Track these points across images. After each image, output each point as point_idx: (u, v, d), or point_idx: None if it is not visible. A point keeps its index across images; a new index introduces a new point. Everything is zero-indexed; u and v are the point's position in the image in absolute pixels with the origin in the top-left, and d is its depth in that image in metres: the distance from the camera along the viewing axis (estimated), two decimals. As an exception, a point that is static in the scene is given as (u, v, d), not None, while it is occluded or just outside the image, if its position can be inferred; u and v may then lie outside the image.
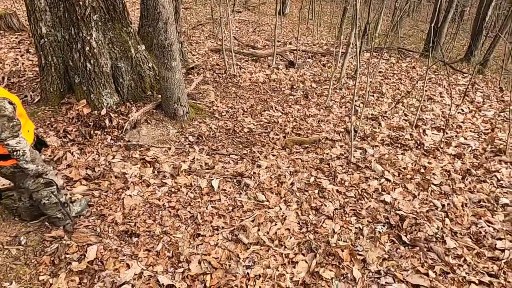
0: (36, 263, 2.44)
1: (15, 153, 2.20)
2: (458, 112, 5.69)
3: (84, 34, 3.87)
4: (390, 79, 7.35)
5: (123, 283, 2.32)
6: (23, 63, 5.53)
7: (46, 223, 2.76)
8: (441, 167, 3.98)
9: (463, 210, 3.24)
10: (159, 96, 4.53)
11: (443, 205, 3.31)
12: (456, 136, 4.85)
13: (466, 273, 2.53)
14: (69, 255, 2.49)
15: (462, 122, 5.35)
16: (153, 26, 3.93)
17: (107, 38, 4.14)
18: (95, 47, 3.96)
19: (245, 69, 7.11)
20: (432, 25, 4.65)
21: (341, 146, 4.37)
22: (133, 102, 4.45)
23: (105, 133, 3.94)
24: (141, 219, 2.90)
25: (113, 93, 4.26)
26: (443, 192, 3.53)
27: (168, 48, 3.95)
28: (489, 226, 3.04)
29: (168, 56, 4.01)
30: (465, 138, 4.78)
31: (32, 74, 5.15)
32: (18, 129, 2.16)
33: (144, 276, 2.39)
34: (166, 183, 3.36)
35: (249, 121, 4.88)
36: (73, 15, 3.80)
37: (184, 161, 3.72)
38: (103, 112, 4.10)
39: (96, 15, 3.91)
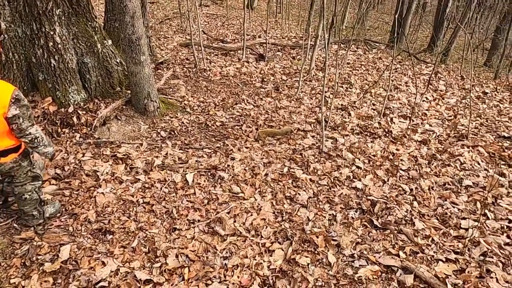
0: (6, 266, 2.36)
1: (36, 140, 2.34)
2: (423, 100, 5.91)
3: (47, 29, 3.73)
4: (358, 70, 7.52)
5: (100, 281, 2.28)
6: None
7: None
8: (409, 153, 4.13)
9: (430, 193, 3.39)
10: (129, 91, 4.45)
11: (411, 189, 3.44)
12: (421, 123, 5.03)
13: (434, 252, 2.65)
14: (41, 256, 2.43)
15: (427, 109, 5.56)
16: (119, 20, 3.85)
17: (72, 33, 4.02)
18: (59, 42, 3.83)
19: (215, 63, 7.08)
20: (396, 16, 4.79)
21: (312, 137, 4.44)
22: (102, 99, 4.34)
23: (73, 131, 3.83)
24: (115, 216, 2.86)
25: (80, 89, 4.14)
26: (411, 176, 3.68)
27: (136, 42, 3.88)
28: (454, 207, 3.19)
29: (136, 51, 3.94)
30: (430, 125, 4.97)
31: None
32: (33, 117, 2.27)
33: (121, 273, 2.37)
34: (139, 179, 3.32)
35: (221, 115, 4.87)
36: (34, 10, 3.66)
37: (157, 157, 3.68)
38: (71, 109, 3.98)
39: (59, 10, 3.78)
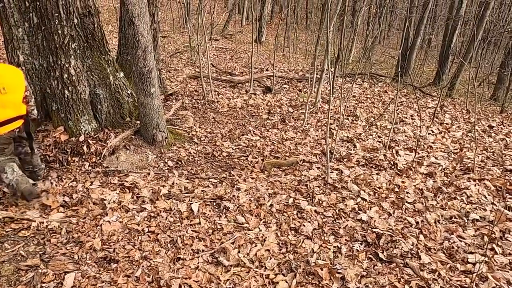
0: (11, 293, 2.38)
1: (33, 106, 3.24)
2: (429, 133, 5.94)
3: (62, 62, 3.91)
4: (363, 103, 7.62)
5: (102, 310, 2.28)
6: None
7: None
8: (414, 185, 4.13)
9: (436, 226, 3.36)
10: (138, 122, 4.57)
11: (417, 222, 3.42)
12: (427, 156, 5.04)
13: (441, 287, 2.61)
14: (46, 284, 2.44)
15: (432, 142, 5.58)
16: (132, 54, 4.02)
17: (86, 65, 4.19)
18: (73, 74, 3.99)
19: (223, 95, 7.25)
20: (401, 51, 4.92)
21: (318, 168, 4.47)
22: (112, 129, 4.46)
23: (83, 160, 3.92)
24: (120, 245, 2.87)
25: (91, 119, 4.27)
26: (416, 209, 3.66)
27: (147, 75, 4.02)
28: (460, 241, 3.16)
29: (147, 83, 4.08)
30: (436, 158, 4.98)
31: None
32: None
33: (124, 302, 2.36)
34: (145, 208, 3.35)
35: (228, 145, 4.95)
36: (51, 44, 3.85)
37: (163, 186, 3.73)
38: (81, 138, 4.09)
39: (75, 43, 3.97)
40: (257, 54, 12.18)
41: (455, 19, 10.68)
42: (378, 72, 11.75)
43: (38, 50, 3.94)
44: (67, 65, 3.94)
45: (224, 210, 3.44)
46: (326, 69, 6.50)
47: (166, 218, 3.25)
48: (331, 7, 3.86)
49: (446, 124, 6.68)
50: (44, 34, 3.84)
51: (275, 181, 4.08)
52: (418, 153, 5.03)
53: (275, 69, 8.91)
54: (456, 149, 5.37)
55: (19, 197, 3.15)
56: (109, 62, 4.44)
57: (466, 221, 3.48)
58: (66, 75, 3.96)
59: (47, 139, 4.09)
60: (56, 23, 3.77)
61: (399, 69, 6.73)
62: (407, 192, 3.96)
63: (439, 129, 6.30)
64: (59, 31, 3.80)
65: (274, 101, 7.27)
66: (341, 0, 6.46)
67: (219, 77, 8.27)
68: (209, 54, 8.23)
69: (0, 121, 2.91)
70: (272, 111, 6.63)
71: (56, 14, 3.74)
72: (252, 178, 4.12)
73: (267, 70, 9.83)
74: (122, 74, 4.64)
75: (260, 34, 16.20)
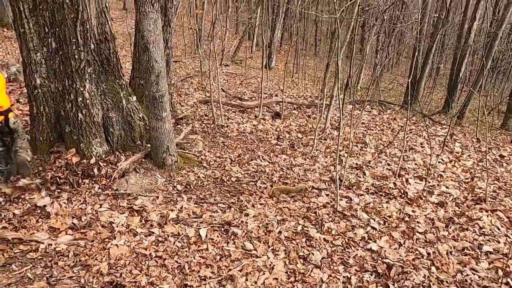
0: (16, 316, 2.36)
1: None
2: (439, 162, 5.89)
3: (77, 86, 4.00)
4: (372, 130, 7.62)
5: (107, 337, 2.24)
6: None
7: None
8: (425, 215, 4.07)
9: (448, 258, 3.29)
10: (148, 145, 4.61)
11: (429, 253, 3.35)
12: (438, 185, 4.99)
13: (454, 322, 2.53)
14: (52, 308, 2.42)
15: (443, 171, 5.53)
16: (145, 79, 4.10)
17: (100, 89, 4.28)
18: (87, 98, 4.08)
19: (232, 119, 7.31)
20: (410, 80, 4.96)
21: (327, 195, 4.44)
22: (123, 151, 4.50)
23: (93, 182, 3.94)
24: (127, 270, 2.85)
25: (103, 142, 4.32)
26: (428, 240, 3.59)
27: (159, 99, 4.09)
28: (474, 274, 3.08)
29: (159, 107, 4.14)
30: (447, 187, 4.92)
31: (22, 123, 5.18)
32: None
33: (129, 329, 2.32)
34: (153, 232, 3.34)
35: (237, 170, 4.95)
36: (68, 68, 3.95)
37: (172, 210, 3.73)
38: (92, 161, 4.13)
39: (90, 68, 4.07)
40: (267, 80, 12.35)
41: (464, 48, 10.78)
42: (387, 99, 11.80)
43: (54, 74, 4.04)
44: (82, 89, 4.03)
45: (232, 236, 3.41)
46: (336, 96, 6.56)
47: (174, 243, 3.23)
48: (341, 35, 3.94)
49: (457, 152, 6.63)
50: (61, 59, 3.95)
51: (283, 207, 4.05)
52: (429, 182, 4.98)
53: (284, 95, 9.00)
54: (467, 179, 5.31)
55: None
56: (123, 86, 4.53)
57: (479, 253, 3.41)
58: (80, 98, 4.04)
59: (58, 161, 4.14)
60: (74, 48, 3.88)
61: (408, 97, 6.75)
62: (417, 222, 3.90)
63: (449, 158, 6.25)
64: (76, 56, 3.91)
65: (283, 126, 7.31)
66: (351, 29, 6.58)
67: (229, 102, 8.37)
68: (220, 79, 8.36)
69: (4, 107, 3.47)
70: (281, 137, 6.65)
71: (74, 40, 3.86)
72: (261, 204, 4.10)
73: (276, 95, 9.93)
74: (134, 98, 4.72)
75: (270, 60, 16.46)
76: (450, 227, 3.85)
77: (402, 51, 21.31)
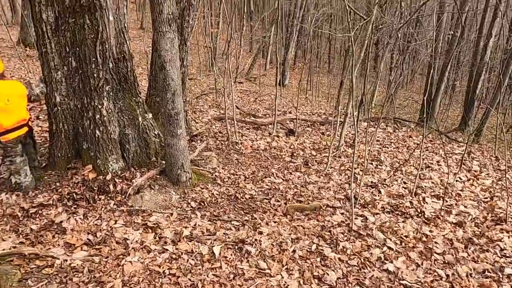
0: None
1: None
2: (456, 180, 5.78)
3: (96, 103, 4.10)
4: (387, 148, 7.54)
5: None
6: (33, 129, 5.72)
7: None
8: (443, 235, 3.97)
9: (468, 281, 3.19)
10: (163, 162, 4.65)
11: (448, 275, 3.26)
12: (456, 204, 4.88)
13: None
14: (66, 325, 2.42)
15: (461, 190, 5.41)
16: (161, 97, 4.17)
17: (117, 107, 4.37)
18: (105, 115, 4.16)
19: (246, 136, 7.34)
20: (426, 98, 4.92)
21: (342, 213, 4.39)
22: (138, 168, 4.55)
23: (108, 198, 3.99)
24: (140, 287, 2.84)
25: (119, 158, 4.39)
26: (446, 261, 3.50)
27: (175, 117, 4.15)
28: (496, 298, 2.97)
29: (174, 124, 4.20)
30: (465, 207, 4.81)
31: (41, 139, 5.31)
32: None
33: None
34: (167, 249, 3.34)
35: (251, 188, 4.94)
36: (87, 86, 4.06)
37: (185, 227, 3.72)
38: (108, 177, 4.19)
39: (108, 86, 4.17)
40: (280, 97, 12.41)
41: (480, 65, 10.67)
42: (402, 116, 11.70)
43: (74, 92, 4.15)
44: (100, 106, 4.12)
45: (246, 254, 3.39)
46: (350, 113, 6.54)
47: (188, 260, 3.22)
48: (355, 53, 3.96)
49: (475, 171, 6.50)
50: (81, 77, 4.06)
51: (298, 225, 4.01)
52: (446, 201, 4.87)
53: (298, 112, 9.02)
54: (486, 198, 5.18)
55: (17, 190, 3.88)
56: (139, 103, 4.62)
57: (501, 276, 3.30)
58: (98, 116, 4.13)
59: (75, 177, 4.21)
60: (93, 67, 3.99)
61: (424, 115, 6.69)
62: (435, 242, 3.80)
63: (467, 177, 6.12)
64: (95, 75, 4.02)
65: (297, 143, 7.30)
66: (365, 47, 6.60)
67: (243, 119, 8.42)
68: (234, 96, 8.45)
69: (11, 127, 3.62)
70: (295, 154, 6.64)
71: (94, 59, 3.97)
72: (275, 222, 4.07)
73: (290, 112, 9.95)
74: (150, 115, 4.80)
75: (284, 77, 16.58)
76: (470, 248, 3.74)
77: (416, 68, 21.21)
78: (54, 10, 3.82)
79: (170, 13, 3.79)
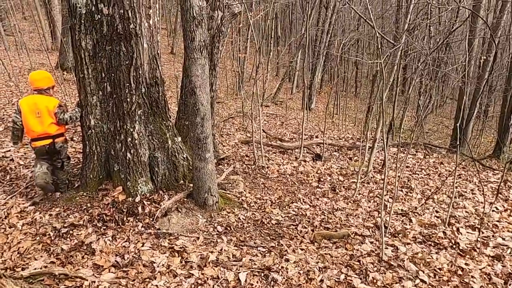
0: None
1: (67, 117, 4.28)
2: (493, 210, 5.51)
3: (128, 127, 4.22)
4: (418, 174, 7.33)
5: None
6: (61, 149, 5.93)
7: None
8: (480, 269, 3.77)
9: (510, 320, 2.99)
10: (191, 185, 4.69)
11: (487, 313, 3.07)
12: (493, 236, 4.64)
13: None
14: None
15: (497, 221, 5.15)
16: (190, 121, 4.25)
17: (148, 130, 4.48)
18: (136, 138, 4.27)
19: (273, 160, 7.32)
20: (458, 124, 4.79)
21: (371, 242, 4.25)
22: (166, 191, 4.61)
23: (137, 220, 4.03)
24: (166, 312, 2.82)
25: (148, 181, 4.46)
26: (485, 297, 3.30)
27: (204, 141, 4.20)
28: None
29: (203, 148, 4.25)
30: (503, 239, 4.56)
31: (74, 161, 5.49)
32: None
33: None
34: (193, 274, 3.32)
35: (277, 213, 4.89)
36: (120, 110, 4.19)
37: (211, 252, 3.70)
38: (137, 199, 4.25)
39: (140, 110, 4.29)
40: (307, 121, 12.39)
41: (514, 90, 10.33)
42: (432, 142, 11.41)
43: (107, 116, 4.30)
44: (131, 130, 4.24)
45: (272, 282, 3.32)
46: (379, 138, 6.43)
47: (213, 286, 3.18)
48: (384, 77, 3.92)
49: (512, 201, 6.19)
50: (114, 101, 4.20)
51: (325, 254, 3.91)
52: (482, 232, 4.65)
53: (325, 136, 8.96)
54: (525, 230, 4.90)
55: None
56: (169, 127, 4.71)
57: (546, 316, 3.07)
58: (130, 139, 4.24)
59: (106, 198, 4.30)
60: (127, 92, 4.13)
61: (455, 140, 6.50)
62: (472, 276, 3.61)
63: (504, 207, 5.83)
64: (128, 99, 4.15)
65: (324, 168, 7.21)
66: (394, 73, 6.55)
67: (270, 142, 8.43)
68: (260, 119, 8.51)
69: (38, 135, 4.16)
70: (322, 179, 6.55)
71: (127, 84, 4.11)
72: (302, 249, 3.98)
73: (316, 137, 9.90)
74: (179, 139, 4.88)
75: (310, 101, 16.60)
76: (510, 284, 3.52)
77: (447, 93, 20.80)
78: (92, 38, 4.01)
79: (202, 40, 3.90)
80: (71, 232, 3.73)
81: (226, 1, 5.37)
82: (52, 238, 3.62)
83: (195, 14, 3.78)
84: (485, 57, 10.30)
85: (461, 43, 13.65)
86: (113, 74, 4.12)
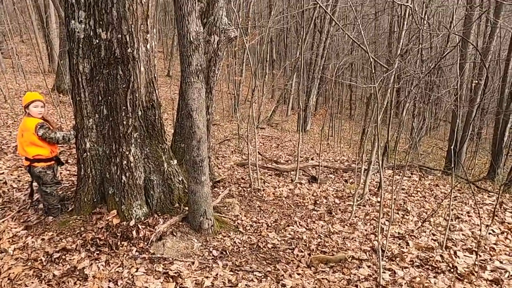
0: None
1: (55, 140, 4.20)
2: (489, 233, 5.50)
3: (123, 150, 4.20)
4: (414, 197, 7.33)
5: None
6: (61, 173, 5.89)
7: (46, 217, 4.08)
8: (479, 294, 3.73)
9: None
10: (186, 208, 4.65)
11: None
12: (490, 259, 4.61)
13: None
14: None
15: (494, 244, 5.13)
16: (187, 143, 4.25)
17: (144, 153, 4.47)
18: (132, 161, 4.25)
19: (269, 183, 7.30)
20: (452, 147, 4.83)
21: (368, 266, 4.21)
22: (161, 214, 4.56)
23: (131, 245, 3.97)
24: None
25: (143, 204, 4.42)
26: (484, 323, 3.25)
27: (200, 164, 4.19)
28: None
29: (199, 171, 4.23)
30: (501, 262, 4.53)
31: (68, 183, 5.44)
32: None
33: None
34: (188, 301, 3.25)
35: (273, 236, 4.84)
36: (116, 133, 4.18)
37: (207, 277, 3.64)
38: (132, 223, 4.20)
39: (136, 133, 4.29)
40: (302, 143, 12.43)
41: (506, 113, 10.49)
42: (427, 164, 11.46)
43: (103, 138, 4.29)
44: (127, 153, 4.23)
45: (269, 308, 3.25)
46: (374, 161, 6.45)
47: (208, 313, 3.11)
48: (378, 101, 3.98)
49: (508, 223, 6.18)
50: (110, 124, 4.20)
51: (322, 278, 3.86)
52: (480, 256, 4.62)
53: (320, 158, 8.97)
54: (523, 253, 4.88)
55: None
56: (165, 150, 4.71)
57: None
58: (125, 162, 4.22)
59: (100, 222, 4.24)
60: (123, 115, 4.14)
61: (450, 162, 6.54)
62: (471, 301, 3.57)
63: (500, 229, 5.82)
64: (124, 122, 4.15)
65: (320, 191, 7.20)
66: (387, 96, 6.64)
67: (265, 165, 8.42)
68: (256, 142, 8.53)
69: (22, 155, 4.23)
70: (318, 202, 6.53)
71: (124, 107, 4.12)
72: (298, 274, 3.93)
73: (312, 159, 9.92)
74: (175, 162, 4.87)
75: (305, 123, 16.71)
76: (509, 309, 3.48)
77: (440, 115, 21.06)
78: (90, 62, 4.04)
79: (199, 64, 3.95)
80: (63, 257, 3.66)
81: (223, 26, 5.47)
82: (44, 264, 3.55)
83: (192, 39, 3.85)
84: (476, 81, 10.50)
85: (452, 66, 13.91)
86: (109, 97, 4.13)
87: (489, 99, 16.32)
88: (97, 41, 3.92)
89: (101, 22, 3.85)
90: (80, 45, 3.97)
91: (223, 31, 5.45)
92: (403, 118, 8.40)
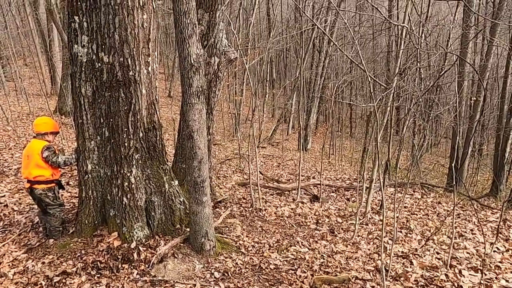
0: None
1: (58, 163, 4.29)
2: (494, 251, 5.43)
3: (125, 171, 4.22)
4: (416, 215, 7.27)
5: None
6: (62, 195, 5.88)
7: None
8: (486, 314, 3.66)
9: None
10: (188, 229, 4.62)
11: None
12: (496, 277, 4.54)
13: None
14: None
15: (500, 262, 5.07)
16: (188, 164, 4.26)
17: (145, 174, 4.47)
18: (133, 182, 4.26)
19: (270, 203, 7.27)
20: (454, 164, 4.84)
21: (372, 287, 4.14)
22: (162, 235, 4.53)
23: (132, 267, 3.93)
24: None
25: (144, 226, 4.40)
26: None
27: (201, 184, 4.20)
28: None
29: (200, 192, 4.23)
30: (507, 280, 4.46)
31: (69, 205, 5.43)
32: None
33: None
34: (189, 325, 3.20)
35: (275, 257, 4.79)
36: (117, 154, 4.21)
37: (209, 300, 3.59)
38: (133, 245, 4.17)
39: (138, 155, 4.31)
40: (303, 162, 12.43)
41: (506, 129, 10.52)
42: (429, 181, 11.42)
43: (105, 160, 4.31)
44: (128, 174, 4.24)
45: (272, 332, 3.19)
46: (376, 179, 6.44)
47: (211, 337, 3.05)
48: (378, 119, 4.01)
49: (513, 241, 6.12)
50: (112, 146, 4.23)
51: (326, 300, 3.80)
52: (485, 274, 4.55)
53: (321, 177, 8.96)
54: (529, 271, 4.80)
55: None
56: (166, 171, 4.72)
57: None
58: (126, 183, 4.23)
59: (101, 244, 4.21)
60: (124, 136, 4.17)
61: (452, 180, 6.52)
62: (478, 322, 3.50)
63: (505, 247, 5.75)
64: (126, 144, 4.18)
65: (322, 210, 7.16)
66: (387, 114, 6.68)
67: (267, 184, 8.41)
68: (257, 161, 8.53)
69: (24, 177, 4.26)
70: (320, 221, 6.48)
71: (125, 129, 4.16)
72: (302, 296, 3.87)
73: (313, 178, 9.90)
74: (176, 182, 4.87)
75: (306, 142, 16.76)
76: (517, 330, 3.41)
77: (441, 132, 21.10)
78: (92, 85, 4.11)
79: (199, 86, 4.01)
80: (63, 280, 3.63)
81: (223, 48, 5.57)
82: (44, 288, 3.51)
83: (192, 62, 3.91)
84: (475, 98, 10.58)
85: (451, 84, 14.04)
86: (111, 120, 4.17)
87: (489, 116, 16.40)
88: (99, 64, 3.99)
89: (103, 46, 3.93)
90: (83, 69, 4.04)
91: (223, 53, 5.54)
92: (403, 136, 8.43)
